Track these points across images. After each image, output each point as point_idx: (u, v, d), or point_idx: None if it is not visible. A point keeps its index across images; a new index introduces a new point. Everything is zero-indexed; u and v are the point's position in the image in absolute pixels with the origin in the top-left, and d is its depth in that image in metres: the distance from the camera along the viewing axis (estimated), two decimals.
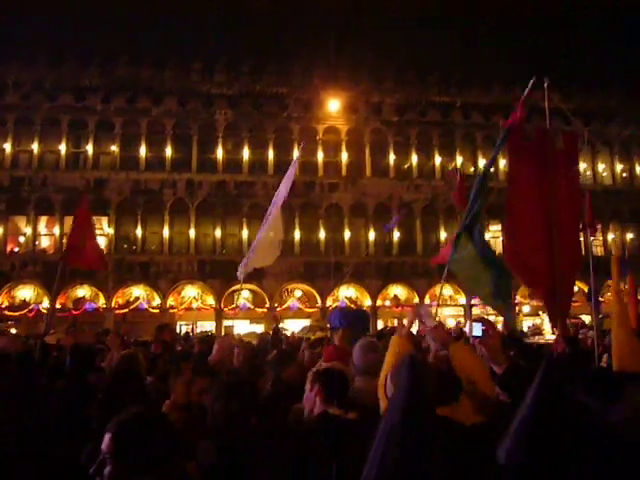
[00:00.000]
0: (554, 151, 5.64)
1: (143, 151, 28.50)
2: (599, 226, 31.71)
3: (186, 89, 28.75)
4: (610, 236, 32.41)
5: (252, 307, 27.81)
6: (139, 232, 27.85)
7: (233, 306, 27.90)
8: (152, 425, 2.02)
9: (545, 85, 6.90)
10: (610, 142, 33.63)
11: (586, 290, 24.79)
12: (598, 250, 31.77)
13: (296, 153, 28.94)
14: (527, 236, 5.35)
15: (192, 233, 28.19)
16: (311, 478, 2.62)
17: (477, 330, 2.94)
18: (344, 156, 30.19)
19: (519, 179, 5.59)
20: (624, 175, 33.88)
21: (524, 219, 5.40)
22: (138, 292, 27.46)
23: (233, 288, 27.45)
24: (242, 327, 26.41)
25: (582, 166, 33.22)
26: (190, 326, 27.20)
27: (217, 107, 29.19)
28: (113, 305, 26.77)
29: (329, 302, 28.20)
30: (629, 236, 32.30)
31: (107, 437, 1.92)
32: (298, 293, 28.54)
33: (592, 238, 31.43)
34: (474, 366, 3.09)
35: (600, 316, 15.00)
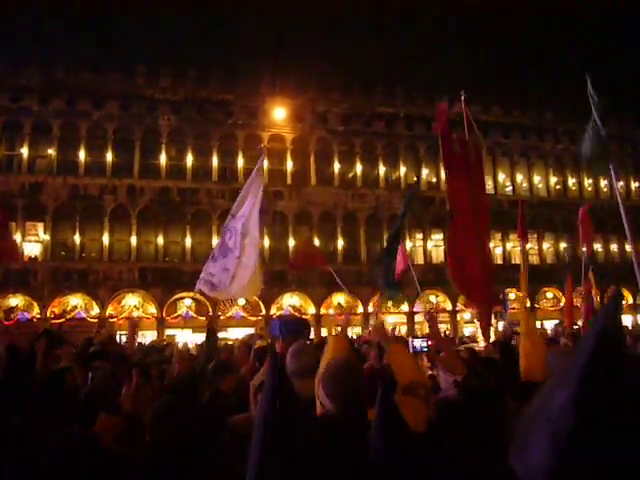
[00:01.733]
0: (473, 162, 5.92)
1: (82, 155, 27.64)
2: (535, 236, 33.01)
3: (129, 93, 28.13)
4: (545, 245, 33.69)
5: (195, 316, 27.34)
6: (77, 239, 26.95)
7: (176, 315, 27.37)
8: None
9: (462, 99, 7.34)
10: (545, 156, 35.04)
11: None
12: (534, 259, 32.97)
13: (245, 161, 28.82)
14: (464, 244, 5.54)
15: (133, 240, 27.50)
16: None
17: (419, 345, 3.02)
18: (289, 164, 30.22)
19: (454, 189, 5.81)
20: (558, 187, 35.35)
21: (460, 227, 5.59)
22: (75, 301, 26.52)
23: (176, 296, 26.96)
24: (185, 336, 25.97)
25: (519, 178, 34.53)
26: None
27: (161, 112, 28.68)
28: (48, 315, 25.74)
29: (273, 310, 28.07)
30: (562, 245, 33.65)
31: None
32: (242, 301, 28.27)
33: (530, 246, 32.62)
34: (411, 366, 3.23)
35: (505, 325, 15.64)
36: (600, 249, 34.83)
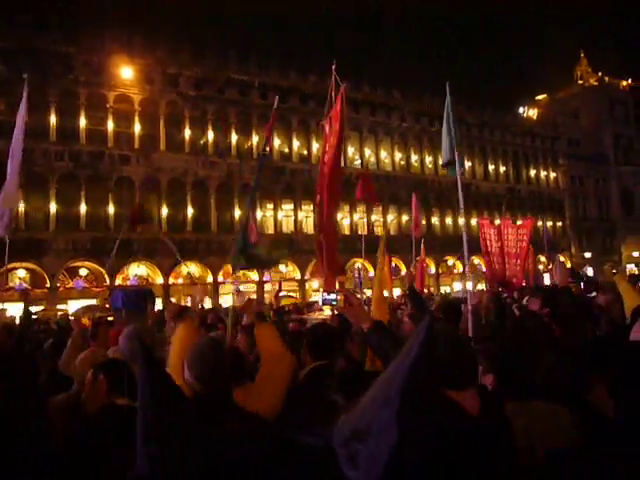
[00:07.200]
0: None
1: None
2: (380, 208, 34.86)
3: None
4: (389, 217, 35.69)
5: (30, 288, 25.24)
6: None
7: (6, 287, 25.03)
8: None
9: (333, 74, 7.48)
10: (391, 132, 36.92)
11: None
12: (379, 230, 34.84)
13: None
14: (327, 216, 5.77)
15: None
16: (99, 471, 2.45)
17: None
18: (137, 127, 28.68)
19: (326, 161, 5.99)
20: (402, 163, 37.51)
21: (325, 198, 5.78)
22: None
23: (7, 267, 24.62)
24: (16, 310, 23.89)
25: (367, 152, 36.07)
26: None
27: None
28: None
29: (118, 281, 26.79)
30: (405, 218, 35.87)
31: None
32: (84, 271, 26.63)
33: (375, 218, 34.33)
34: (276, 345, 3.26)
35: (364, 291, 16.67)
36: (437, 222, 37.73)
